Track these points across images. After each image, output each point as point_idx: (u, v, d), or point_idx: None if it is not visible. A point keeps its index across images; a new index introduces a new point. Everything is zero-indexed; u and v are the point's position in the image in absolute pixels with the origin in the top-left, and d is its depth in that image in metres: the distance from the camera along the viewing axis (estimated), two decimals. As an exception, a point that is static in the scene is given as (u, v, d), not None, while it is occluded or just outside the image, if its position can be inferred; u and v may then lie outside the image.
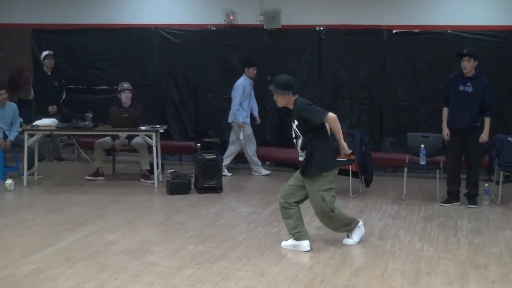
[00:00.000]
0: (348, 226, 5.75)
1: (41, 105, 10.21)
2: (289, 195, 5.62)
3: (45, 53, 10.17)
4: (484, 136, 7.29)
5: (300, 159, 5.57)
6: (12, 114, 9.11)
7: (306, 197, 5.63)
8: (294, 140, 5.60)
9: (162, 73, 10.65)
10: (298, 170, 5.67)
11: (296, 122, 5.49)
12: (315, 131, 5.44)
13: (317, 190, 5.47)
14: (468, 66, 7.22)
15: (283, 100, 5.52)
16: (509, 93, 9.21)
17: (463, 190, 7.54)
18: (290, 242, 5.66)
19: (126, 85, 9.04)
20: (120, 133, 8.86)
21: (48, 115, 9.61)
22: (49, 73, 10.22)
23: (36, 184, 8.64)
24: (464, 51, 7.28)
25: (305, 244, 5.57)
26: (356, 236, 5.78)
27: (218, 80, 10.45)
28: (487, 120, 7.28)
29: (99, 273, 4.93)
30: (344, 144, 5.49)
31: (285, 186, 5.71)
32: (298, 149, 5.57)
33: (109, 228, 6.29)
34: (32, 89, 10.59)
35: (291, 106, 5.55)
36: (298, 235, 5.61)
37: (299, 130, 5.47)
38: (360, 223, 5.84)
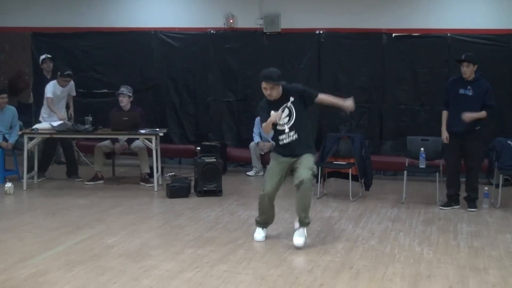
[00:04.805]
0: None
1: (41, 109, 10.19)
2: (275, 190, 5.78)
3: (42, 57, 10.15)
4: (468, 116, 7.09)
5: (287, 141, 5.66)
6: (12, 118, 9.12)
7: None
8: (283, 123, 5.64)
9: (162, 77, 10.65)
10: (276, 158, 5.77)
11: (292, 99, 5.61)
12: (305, 111, 5.67)
13: (310, 167, 5.62)
14: (468, 71, 7.21)
15: (278, 91, 5.63)
16: (508, 97, 9.22)
17: (462, 193, 7.53)
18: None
19: (123, 89, 9.01)
20: (120, 137, 8.87)
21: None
22: (48, 77, 10.21)
23: (36, 188, 8.64)
24: (463, 57, 7.25)
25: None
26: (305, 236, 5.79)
27: (217, 84, 10.46)
28: (483, 112, 7.16)
29: (99, 276, 4.93)
30: (344, 102, 5.78)
31: (270, 182, 5.74)
32: (287, 129, 5.65)
33: (109, 232, 6.29)
34: (31, 93, 10.57)
35: (278, 96, 5.65)
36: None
37: (294, 106, 5.61)
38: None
